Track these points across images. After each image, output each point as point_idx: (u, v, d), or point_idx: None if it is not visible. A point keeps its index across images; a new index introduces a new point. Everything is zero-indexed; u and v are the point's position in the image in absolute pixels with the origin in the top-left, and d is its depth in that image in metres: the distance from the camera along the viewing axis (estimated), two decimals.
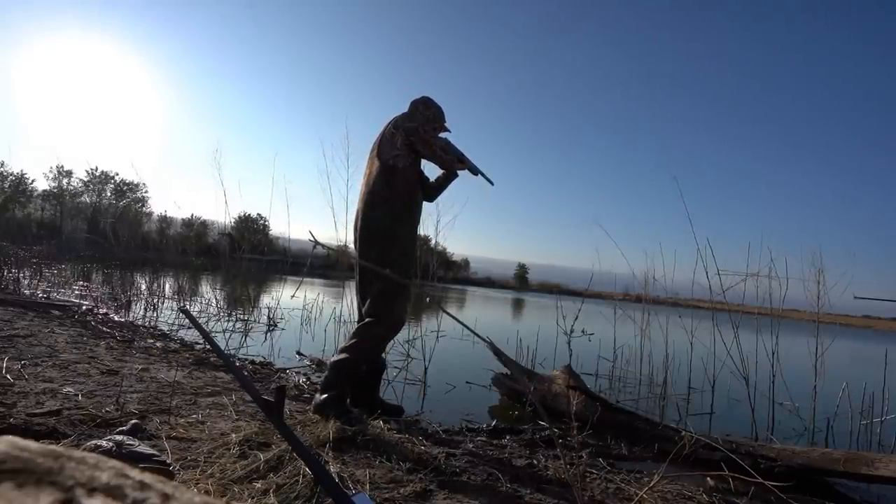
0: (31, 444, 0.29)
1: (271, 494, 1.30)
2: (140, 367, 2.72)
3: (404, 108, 2.49)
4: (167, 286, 7.04)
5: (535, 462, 1.97)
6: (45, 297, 5.69)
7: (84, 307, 5.33)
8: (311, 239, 1.78)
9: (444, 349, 4.42)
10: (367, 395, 2.48)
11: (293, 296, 5.72)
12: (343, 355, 2.25)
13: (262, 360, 3.76)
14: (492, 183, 2.61)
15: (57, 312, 4.61)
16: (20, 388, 2.01)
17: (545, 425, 2.46)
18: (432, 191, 2.60)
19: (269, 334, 5.12)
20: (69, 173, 39.75)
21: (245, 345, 4.36)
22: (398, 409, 2.55)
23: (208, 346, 2.42)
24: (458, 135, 2.48)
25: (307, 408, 2.34)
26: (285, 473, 1.42)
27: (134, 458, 1.21)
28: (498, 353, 3.39)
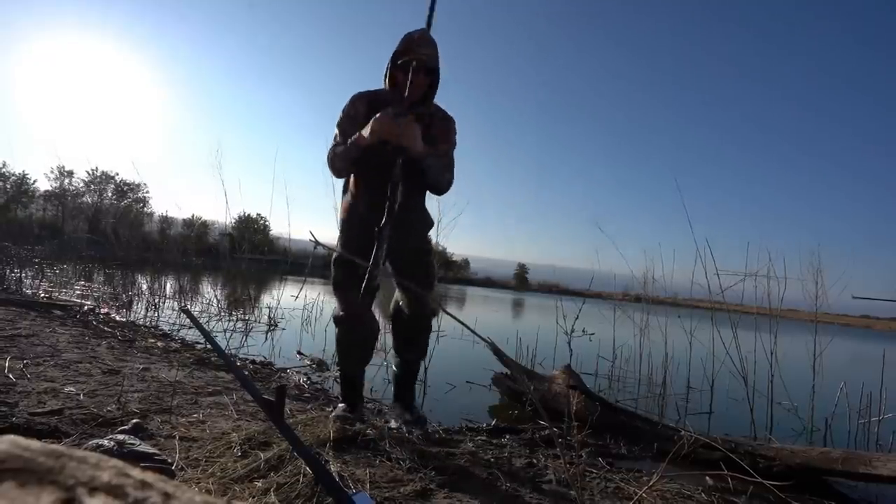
0: (33, 444, 0.30)
1: (272, 493, 1.31)
2: (141, 367, 2.72)
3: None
4: (168, 286, 7.05)
5: (534, 461, 1.98)
6: (46, 297, 5.70)
7: (85, 307, 5.34)
8: (312, 239, 1.79)
9: (444, 349, 4.42)
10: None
11: (295, 297, 5.72)
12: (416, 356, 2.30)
13: (263, 359, 3.77)
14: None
15: (59, 312, 4.62)
16: (22, 388, 2.02)
17: (545, 425, 2.47)
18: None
19: (269, 334, 5.13)
20: (70, 174, 39.85)
21: (246, 344, 4.37)
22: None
23: (209, 346, 2.43)
24: (460, 135, 2.32)
25: (308, 407, 2.35)
26: (286, 473, 1.42)
27: (135, 458, 1.22)
28: (498, 352, 3.38)
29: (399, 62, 2.04)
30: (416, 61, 2.00)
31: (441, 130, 2.12)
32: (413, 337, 2.26)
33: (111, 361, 2.78)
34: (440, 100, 2.16)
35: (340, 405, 2.21)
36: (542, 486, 1.70)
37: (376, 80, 2.15)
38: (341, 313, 2.11)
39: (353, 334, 2.13)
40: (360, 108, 2.11)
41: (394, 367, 2.38)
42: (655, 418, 2.92)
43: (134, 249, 7.55)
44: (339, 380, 2.25)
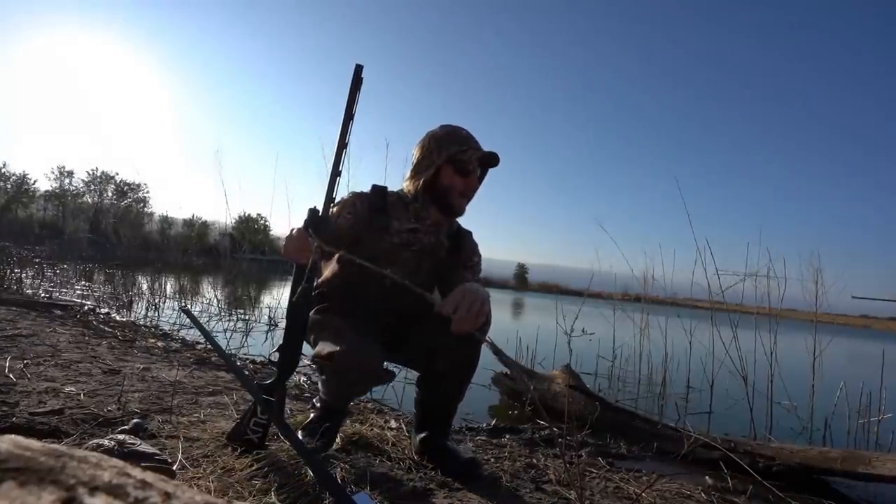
0: (34, 443, 0.30)
1: (272, 493, 1.31)
2: (141, 367, 2.73)
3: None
4: (168, 286, 7.05)
5: (534, 461, 1.98)
6: (47, 297, 5.70)
7: (86, 307, 5.34)
8: (311, 239, 1.79)
9: None
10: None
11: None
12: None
13: (263, 359, 3.77)
14: None
15: (59, 312, 4.62)
16: (23, 388, 2.02)
17: (545, 424, 2.47)
18: None
19: (269, 334, 5.13)
20: (70, 174, 39.97)
21: (246, 344, 4.37)
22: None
23: (209, 346, 2.43)
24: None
25: (308, 407, 2.35)
26: (286, 472, 1.43)
27: (135, 457, 1.22)
28: (498, 352, 3.40)
29: (457, 157, 1.68)
30: (480, 159, 1.69)
31: (469, 253, 1.84)
32: (460, 381, 1.90)
33: (111, 361, 2.78)
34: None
35: (313, 417, 1.78)
36: (542, 485, 1.70)
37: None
38: (335, 350, 1.47)
39: (351, 378, 1.52)
40: (359, 208, 1.75)
41: (417, 396, 1.90)
42: (655, 418, 2.92)
43: (134, 249, 7.56)
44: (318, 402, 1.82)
